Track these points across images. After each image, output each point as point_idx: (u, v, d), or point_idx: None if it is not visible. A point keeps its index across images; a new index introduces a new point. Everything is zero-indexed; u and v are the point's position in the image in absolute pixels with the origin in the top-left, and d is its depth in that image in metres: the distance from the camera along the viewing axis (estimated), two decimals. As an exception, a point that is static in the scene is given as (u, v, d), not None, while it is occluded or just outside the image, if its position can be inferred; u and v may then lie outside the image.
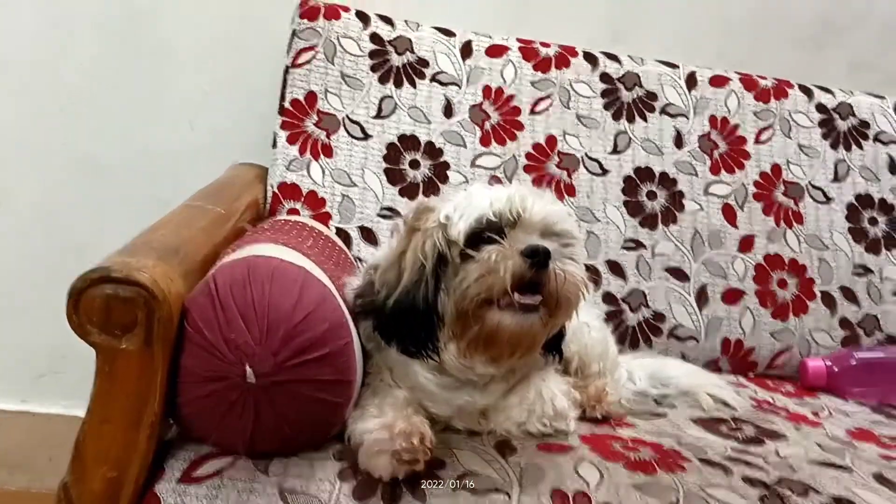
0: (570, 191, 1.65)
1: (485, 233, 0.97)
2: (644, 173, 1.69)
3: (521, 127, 1.67)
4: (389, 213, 1.57)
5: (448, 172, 1.62)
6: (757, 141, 1.75)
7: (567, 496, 0.95)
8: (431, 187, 1.60)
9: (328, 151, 1.58)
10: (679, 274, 1.64)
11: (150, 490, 0.88)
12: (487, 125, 1.66)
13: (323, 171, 1.56)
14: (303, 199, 1.54)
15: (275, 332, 0.86)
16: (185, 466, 0.90)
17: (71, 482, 0.86)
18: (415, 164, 1.61)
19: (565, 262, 0.98)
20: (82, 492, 0.86)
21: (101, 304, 0.84)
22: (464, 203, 1.00)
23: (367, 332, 1.02)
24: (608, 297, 1.61)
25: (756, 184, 1.72)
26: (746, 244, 1.68)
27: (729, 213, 1.69)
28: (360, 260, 1.48)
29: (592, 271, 1.61)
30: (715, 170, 1.72)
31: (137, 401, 0.86)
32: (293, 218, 1.43)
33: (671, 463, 1.05)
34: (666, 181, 1.69)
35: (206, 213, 1.16)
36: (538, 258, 0.94)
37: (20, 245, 1.79)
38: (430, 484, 0.93)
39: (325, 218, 1.53)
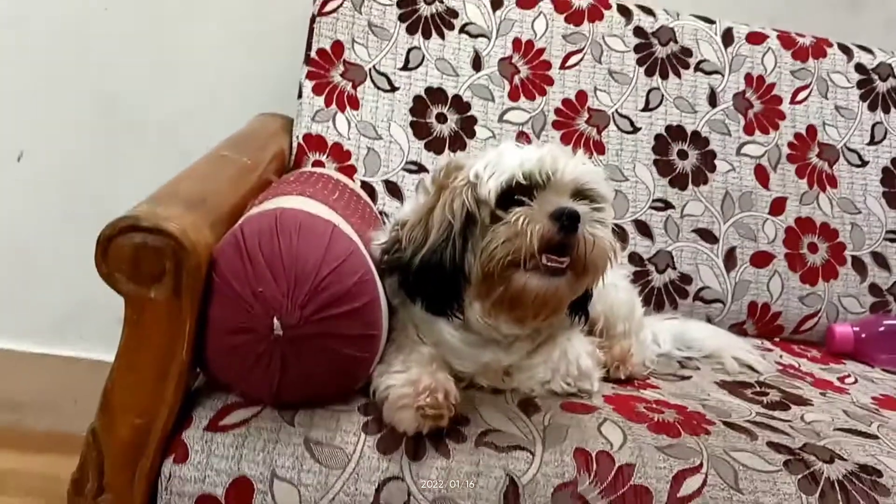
0: (600, 148, 1.63)
1: (515, 194, 0.95)
2: (675, 132, 1.66)
3: (550, 81, 1.64)
4: (415, 167, 1.55)
5: (475, 127, 1.59)
6: (793, 101, 1.71)
7: (590, 455, 0.95)
8: (458, 142, 1.58)
9: (354, 103, 1.56)
10: (708, 235, 1.62)
11: (177, 437, 0.89)
12: (517, 79, 1.63)
13: (349, 123, 1.54)
14: (328, 152, 1.52)
15: (302, 285, 0.85)
16: (212, 415, 0.91)
17: (99, 428, 0.87)
18: (441, 118, 1.59)
19: (595, 225, 0.96)
20: (110, 438, 0.87)
21: (129, 253, 0.84)
22: (494, 162, 0.98)
23: (392, 288, 1.02)
24: (634, 258, 1.59)
25: (790, 145, 1.69)
26: (778, 207, 1.65)
27: (761, 175, 1.66)
28: (384, 214, 1.47)
29: (619, 231, 1.59)
30: (749, 130, 1.68)
31: (165, 351, 0.86)
32: (319, 170, 1.42)
33: (695, 425, 1.04)
34: (698, 140, 1.66)
35: (233, 162, 1.15)
36: (567, 222, 0.93)
37: (40, 197, 1.79)
38: (453, 439, 0.93)
39: (350, 171, 1.52)
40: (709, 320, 1.59)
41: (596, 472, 0.93)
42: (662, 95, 1.67)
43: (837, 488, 0.97)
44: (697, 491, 0.94)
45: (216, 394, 0.93)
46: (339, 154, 1.53)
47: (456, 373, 1.03)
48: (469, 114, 1.60)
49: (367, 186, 1.52)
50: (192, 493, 0.87)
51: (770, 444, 1.02)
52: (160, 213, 0.85)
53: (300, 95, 1.55)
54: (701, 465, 0.96)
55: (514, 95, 1.62)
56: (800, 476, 0.97)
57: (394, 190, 1.53)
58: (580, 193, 0.99)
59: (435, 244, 0.97)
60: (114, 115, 1.79)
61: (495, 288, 0.96)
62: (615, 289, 1.27)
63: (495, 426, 0.97)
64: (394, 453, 0.91)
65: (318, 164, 1.52)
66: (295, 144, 1.52)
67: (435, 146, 1.57)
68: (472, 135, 1.59)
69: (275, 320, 0.84)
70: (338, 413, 0.94)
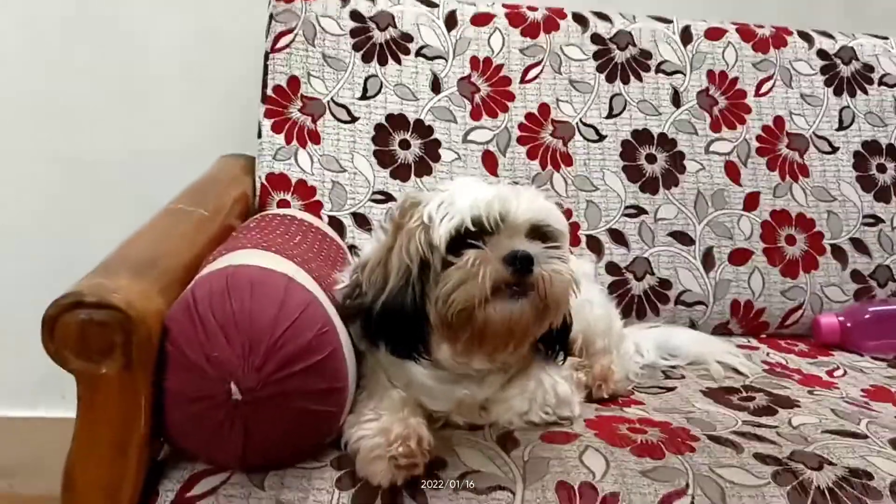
0: (567, 160, 1.61)
1: (466, 238, 0.93)
2: (642, 136, 1.64)
3: (512, 97, 1.62)
4: (382, 197, 1.53)
5: (440, 150, 1.57)
6: (758, 93, 1.70)
7: (572, 489, 0.92)
8: (423, 167, 1.56)
9: (315, 138, 1.54)
10: (683, 238, 1.60)
11: (144, 515, 0.87)
12: (477, 98, 1.61)
13: (311, 159, 1.52)
14: (292, 189, 1.50)
15: (257, 345, 0.83)
16: (179, 487, 0.88)
17: (64, 509, 0.84)
18: (405, 145, 1.57)
19: (551, 262, 0.94)
20: (76, 519, 0.84)
21: (75, 331, 0.81)
22: (446, 203, 0.96)
23: (358, 333, 0.99)
24: (611, 267, 1.57)
25: (759, 138, 1.67)
26: (752, 202, 1.63)
27: (732, 171, 1.64)
28: (354, 248, 1.45)
29: (593, 241, 1.57)
30: (715, 127, 1.66)
31: (122, 426, 0.83)
32: (282, 212, 1.39)
33: (679, 443, 1.02)
34: (665, 142, 1.64)
35: (188, 216, 1.13)
36: (520, 265, 0.91)
37: (8, 252, 1.77)
38: (430, 485, 0.91)
39: (316, 207, 1.50)
40: (692, 324, 1.57)
41: (579, 505, 0.91)
42: (626, 101, 1.65)
43: (828, 496, 0.95)
44: (685, 515, 0.92)
45: (182, 463, 0.91)
46: (304, 191, 1.51)
47: (430, 412, 1.01)
48: (432, 137, 1.58)
49: (335, 221, 1.50)
50: (163, 574, 0.85)
51: (757, 457, 1.00)
52: (106, 285, 0.83)
53: (260, 135, 1.53)
54: (687, 486, 0.94)
55: (476, 115, 1.60)
56: (788, 487, 0.95)
57: (362, 222, 1.51)
58: (534, 232, 0.97)
59: (394, 288, 0.95)
60: (77, 169, 1.77)
61: (460, 331, 0.94)
62: (590, 305, 1.25)
63: (474, 467, 0.94)
64: (370, 508, 0.88)
65: (283, 203, 1.49)
66: (258, 185, 1.50)
67: (400, 174, 1.55)
68: (436, 158, 1.57)
69: (232, 385, 0.82)
70: (309, 471, 0.91)
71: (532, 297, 0.94)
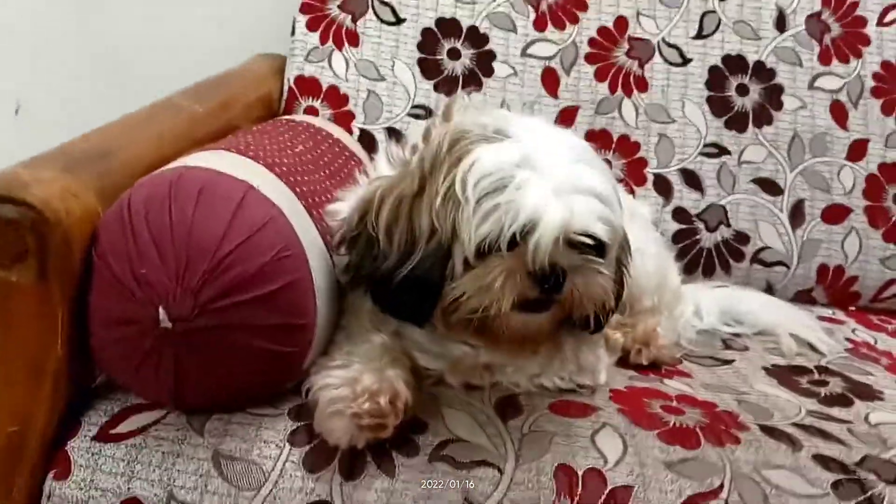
0: (642, 85, 1.39)
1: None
2: (734, 63, 1.40)
3: (583, 7, 1.40)
4: (423, 111, 1.36)
5: (494, 64, 1.38)
6: (880, 23, 1.42)
7: (575, 475, 0.76)
8: (473, 82, 1.38)
9: (353, 39, 1.37)
10: (770, 186, 1.37)
11: (61, 448, 0.74)
12: (543, 5, 1.40)
13: (347, 63, 1.36)
14: (322, 96, 1.35)
15: (196, 265, 0.68)
16: (104, 421, 0.76)
17: (-30, 434, 0.73)
18: (454, 54, 1.38)
19: (587, 274, 0.77)
20: (-18, 447, 0.72)
21: (-19, 228, 0.68)
22: (488, 185, 0.75)
23: (340, 265, 0.83)
24: (680, 214, 1.36)
25: (875, 76, 1.40)
26: (858, 151, 1.38)
27: (838, 113, 1.39)
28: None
29: (662, 182, 1.36)
30: (824, 59, 1.40)
31: (37, 344, 0.71)
32: (301, 118, 1.23)
33: (722, 431, 0.83)
34: (761, 73, 1.40)
35: (175, 111, 0.99)
36: (549, 285, 0.75)
37: (39, 151, 1.68)
38: (402, 453, 0.76)
39: (347, 118, 1.34)
40: (769, 288, 1.36)
41: (580, 496, 0.74)
42: (719, 20, 1.41)
43: (903, 520, 0.74)
44: (713, 523, 0.73)
45: (115, 393, 0.78)
46: (336, 98, 1.35)
47: (419, 367, 0.85)
48: (486, 48, 1.38)
49: (366, 136, 1.34)
50: (74, 516, 0.73)
51: (817, 458, 0.80)
52: (22, 176, 0.69)
53: (293, 32, 1.38)
54: (721, 487, 0.76)
55: (539, 24, 1.40)
56: (852, 503, 0.75)
57: (397, 139, 1.33)
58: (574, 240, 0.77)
59: (425, 258, 0.77)
60: (112, 63, 1.66)
61: (463, 330, 0.80)
62: (641, 256, 1.04)
63: (459, 434, 0.78)
64: (323, 471, 0.74)
65: (310, 111, 1.34)
66: (286, 88, 1.35)
67: (446, 87, 1.37)
68: (489, 72, 1.38)
69: (161, 310, 0.68)
70: (259, 419, 0.77)
71: (554, 311, 0.79)
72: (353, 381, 0.75)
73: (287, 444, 0.75)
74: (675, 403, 0.89)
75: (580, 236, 0.76)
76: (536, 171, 0.75)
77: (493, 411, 0.82)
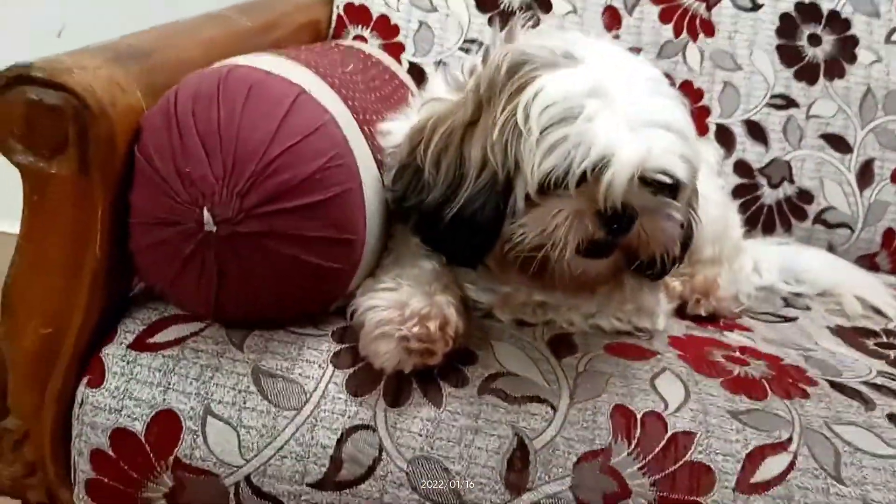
0: (708, 29, 1.31)
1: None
2: (808, 10, 1.32)
3: (651, -56, 1.32)
4: (476, 46, 1.29)
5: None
6: (968, -26, 1.33)
7: (633, 416, 0.71)
8: (530, 16, 1.30)
9: (406, -35, 1.30)
10: (839, 143, 1.29)
11: (95, 354, 0.71)
12: (609, -61, 1.32)
13: (399, -8, 1.30)
14: (372, 25, 1.29)
15: (242, 166, 0.64)
16: (142, 330, 0.72)
17: (2, 335, 0.69)
18: (512, -13, 1.31)
19: (657, 217, 0.71)
20: (13, 349, 0.70)
21: (20, 113, 0.64)
22: (554, 114, 0.69)
23: (388, 178, 0.78)
24: (742, 167, 1.29)
25: (961, 30, 1.31)
26: (935, 110, 1.30)
27: (917, 68, 1.30)
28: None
29: (724, 133, 1.29)
30: (905, 10, 1.32)
31: (75, 241, 0.67)
32: (351, 43, 1.18)
33: (790, 384, 0.78)
34: (836, 22, 1.32)
35: (225, 22, 0.94)
36: (617, 227, 0.69)
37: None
38: (450, 382, 0.71)
39: (396, 49, 1.28)
40: (831, 249, 1.29)
41: (639, 439, 0.69)
42: (796, -36, 1.32)
43: None
44: (780, 476, 0.68)
45: (153, 303, 0.74)
46: (386, 28, 1.29)
47: (469, 299, 0.80)
48: (546, -19, 1.31)
49: (415, 69, 1.28)
50: (105, 425, 0.69)
51: (892, 419, 0.75)
52: (64, 61, 0.64)
53: (345, -44, 1.31)
54: (790, 440, 0.71)
55: (604, -39, 1.32)
56: (931, 465, 0.70)
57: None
58: (648, 177, 0.71)
59: (473, 195, 0.72)
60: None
61: (520, 272, 0.74)
62: (705, 202, 0.98)
63: (510, 368, 0.73)
64: (367, 395, 0.70)
65: (359, 39, 1.28)
66: (335, 16, 1.29)
67: (502, 21, 1.30)
68: (547, 8, 1.31)
69: (205, 211, 0.63)
70: (302, 338, 0.73)
71: (617, 255, 0.73)
72: (401, 303, 0.71)
73: (330, 364, 0.71)
74: (738, 354, 0.84)
75: (657, 174, 0.70)
76: (610, 102, 0.69)
77: (547, 348, 0.77)
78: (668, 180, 0.70)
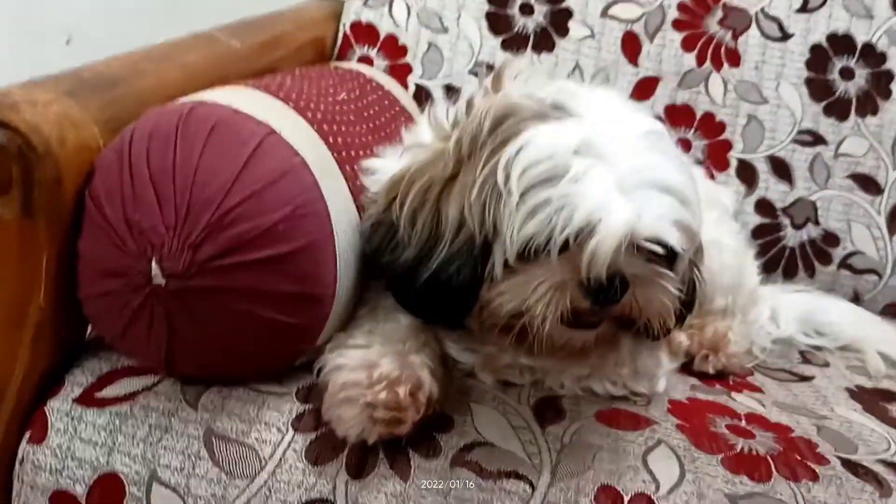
0: (733, 59, 1.25)
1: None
2: (841, 43, 1.24)
3: (676, -34, 1.26)
4: (485, 70, 1.23)
5: (570, 23, 1.25)
6: None
7: (620, 499, 0.64)
8: (544, 41, 1.25)
9: (418, -15, 1.25)
10: (868, 184, 1.22)
11: (39, 407, 0.66)
12: (630, -37, 1.26)
13: (408, 11, 1.25)
14: (379, 45, 1.24)
15: (197, 215, 0.59)
16: (90, 382, 0.67)
17: (-58, 385, 0.65)
18: (527, 10, 1.26)
19: (652, 287, 0.65)
20: (-45, 400, 0.65)
21: (-37, 152, 0.59)
22: (538, 174, 0.63)
23: (365, 228, 0.72)
24: (764, 206, 1.22)
25: None
26: (972, 150, 1.22)
27: (955, 106, 1.22)
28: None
29: (746, 169, 1.22)
30: (945, 43, 1.24)
31: (16, 290, 0.63)
32: (350, 66, 1.13)
33: (797, 463, 0.71)
34: (870, 55, 1.24)
35: (210, 44, 0.89)
36: (604, 298, 0.63)
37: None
38: (420, 452, 0.65)
39: (403, 71, 1.23)
40: (856, 296, 1.21)
41: (625, 526, 0.63)
42: (828, -8, 1.25)
43: None
44: (779, 575, 0.62)
45: (106, 352, 0.69)
46: (393, 49, 1.24)
47: (450, 358, 0.74)
48: (563, 5, 1.26)
49: (422, 92, 1.23)
50: (45, 486, 0.64)
51: (909, 508, 0.68)
52: (13, 96, 0.60)
53: (352, -28, 1.26)
54: (793, 531, 0.63)
55: (625, -17, 1.26)
56: (951, 568, 0.63)
57: (455, 98, 1.22)
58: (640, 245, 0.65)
59: (450, 257, 0.66)
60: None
61: (501, 337, 0.69)
62: (719, 249, 0.92)
63: (488, 437, 0.67)
64: (327, 465, 0.64)
65: (364, 60, 1.23)
66: (340, 34, 1.24)
67: (514, 45, 1.25)
68: (563, 32, 1.25)
69: (153, 264, 0.58)
70: (264, 396, 0.67)
71: (606, 326, 0.68)
72: (370, 364, 0.65)
73: (290, 428, 0.66)
74: (743, 423, 0.77)
75: (649, 243, 0.64)
76: (599, 160, 0.63)
77: (531, 413, 0.71)
78: (660, 250, 0.64)
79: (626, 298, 0.63)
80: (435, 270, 0.65)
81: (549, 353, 0.68)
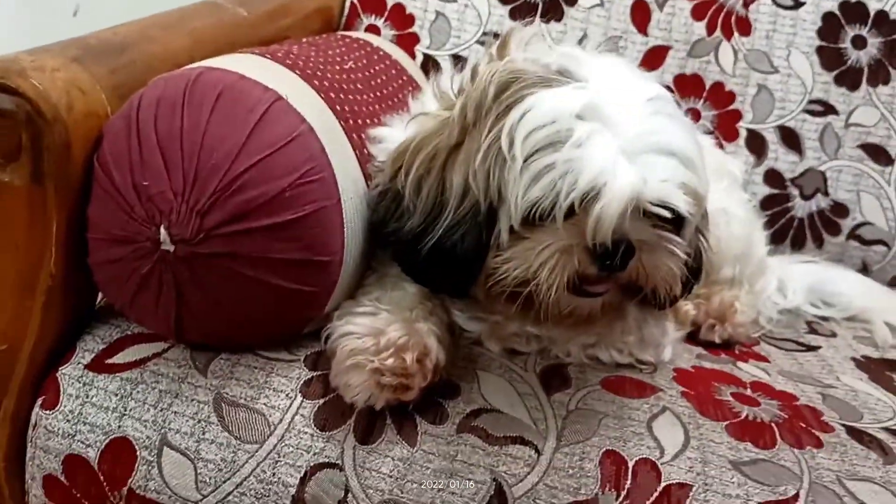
0: (744, 27, 1.23)
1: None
2: (853, 10, 1.23)
3: (686, -66, 1.24)
4: (494, 39, 1.22)
5: (578, -10, 1.24)
6: None
7: (624, 464, 0.65)
8: (553, 9, 1.24)
9: (426, -49, 1.24)
10: (879, 154, 1.21)
11: (51, 373, 0.67)
12: (642, -71, 1.24)
13: (416, -21, 1.23)
14: (386, 14, 1.23)
15: (205, 182, 0.59)
16: (101, 349, 0.68)
17: (-47, 350, 0.66)
18: (535, -23, 1.24)
19: (658, 252, 0.65)
20: (-34, 366, 0.65)
21: (-29, 118, 0.59)
22: (542, 138, 0.62)
23: (371, 196, 0.73)
24: (773, 176, 1.21)
25: None
26: None
27: (969, 75, 1.21)
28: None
29: (755, 139, 1.21)
30: (961, 13, 1.22)
31: (28, 256, 0.63)
32: (357, 35, 1.12)
33: (802, 430, 0.71)
34: (884, 23, 1.22)
35: (216, 12, 0.88)
36: (611, 263, 0.62)
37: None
38: (427, 418, 0.66)
39: (410, 40, 1.22)
40: (864, 267, 1.21)
41: (629, 490, 0.64)
42: (842, -41, 1.23)
43: None
44: (782, 538, 0.62)
45: (117, 319, 0.70)
46: (400, 18, 1.23)
47: (456, 326, 0.74)
48: (572, -27, 1.24)
49: (430, 62, 1.22)
50: (58, 450, 0.65)
51: (913, 474, 0.68)
52: (19, 62, 0.60)
53: (361, -61, 1.25)
54: (796, 496, 0.64)
55: (635, -49, 1.24)
56: (954, 533, 0.63)
57: (463, 68, 1.21)
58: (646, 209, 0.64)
59: (454, 224, 0.66)
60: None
61: (507, 305, 0.68)
62: (727, 218, 0.92)
63: (494, 404, 0.68)
64: (335, 430, 0.65)
65: (371, 29, 1.23)
66: (348, 3, 1.23)
67: (522, 13, 1.24)
68: (572, 1, 1.24)
69: (161, 230, 0.59)
70: (273, 363, 0.68)
71: (612, 292, 0.67)
72: (378, 331, 0.65)
73: (299, 394, 0.66)
74: (748, 391, 0.77)
75: (655, 207, 0.64)
76: (604, 124, 0.62)
77: (537, 380, 0.72)
78: (667, 214, 0.63)
79: (632, 264, 0.63)
80: (439, 238, 0.65)
81: (556, 321, 0.68)
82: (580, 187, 0.60)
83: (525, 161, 0.61)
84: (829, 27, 1.23)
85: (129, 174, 0.59)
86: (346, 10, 1.23)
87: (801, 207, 1.21)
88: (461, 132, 0.67)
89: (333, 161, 0.66)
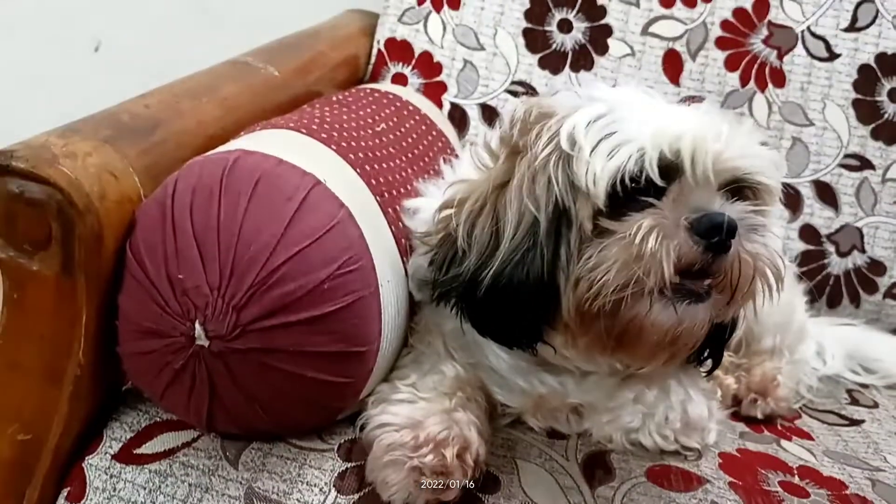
0: (778, 79, 1.21)
1: (632, 185, 0.61)
2: (890, 63, 1.20)
3: (720, -17, 1.22)
4: (522, 89, 1.21)
5: (609, 41, 1.22)
6: None
7: (674, 569, 0.62)
8: (583, 59, 1.22)
9: (454, 1, 1.22)
10: (918, 211, 1.18)
11: (77, 463, 0.64)
12: (673, -22, 1.22)
13: (444, 27, 1.22)
14: (413, 63, 1.22)
15: (242, 276, 0.56)
16: (129, 437, 0.65)
17: (-22, 439, 0.63)
18: (565, 26, 1.22)
19: (754, 235, 0.62)
20: (-10, 454, 0.63)
21: (1, 206, 0.57)
22: (606, 122, 0.63)
23: (418, 276, 0.70)
24: (807, 232, 1.19)
25: None
26: None
27: None
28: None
29: (790, 194, 1.18)
30: None
31: (56, 345, 0.61)
32: (386, 88, 1.10)
33: (855, 525, 0.68)
34: (921, 77, 1.20)
35: (247, 73, 0.87)
36: (718, 239, 0.59)
37: (118, 88, 1.60)
38: (467, 515, 0.63)
39: (438, 89, 1.21)
40: (905, 330, 1.17)
41: None
42: (877, 11, 1.21)
43: None
44: None
45: (144, 404, 0.67)
46: (428, 66, 1.22)
47: (496, 404, 0.72)
48: (603, 21, 1.22)
49: (457, 111, 1.20)
50: (83, 547, 0.63)
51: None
52: (49, 148, 0.58)
53: (389, -13, 1.24)
54: None
55: (667, 0, 1.22)
56: None
57: (491, 116, 1.20)
58: (732, 185, 0.64)
59: (512, 251, 0.63)
60: (198, 4, 1.55)
61: (596, 321, 0.63)
62: (767, 286, 0.89)
63: (536, 499, 0.65)
64: (371, 530, 0.62)
65: (398, 78, 1.21)
66: (374, 51, 1.22)
67: (552, 63, 1.22)
68: (603, 50, 1.22)
69: (196, 325, 0.56)
70: (305, 453, 0.65)
71: (715, 299, 0.63)
72: (416, 423, 0.63)
73: (333, 489, 0.63)
74: (796, 479, 0.74)
75: (748, 179, 0.64)
76: (656, 108, 0.66)
77: (579, 471, 0.69)
78: (759, 187, 0.64)
79: (734, 248, 0.60)
80: (500, 270, 0.63)
81: (648, 347, 0.64)
82: (667, 140, 0.60)
83: (594, 147, 0.61)
84: (865, 79, 1.20)
85: (164, 266, 0.57)
86: (374, 59, 1.22)
87: (837, 264, 1.18)
88: (507, 172, 0.66)
89: (371, 246, 0.64)
